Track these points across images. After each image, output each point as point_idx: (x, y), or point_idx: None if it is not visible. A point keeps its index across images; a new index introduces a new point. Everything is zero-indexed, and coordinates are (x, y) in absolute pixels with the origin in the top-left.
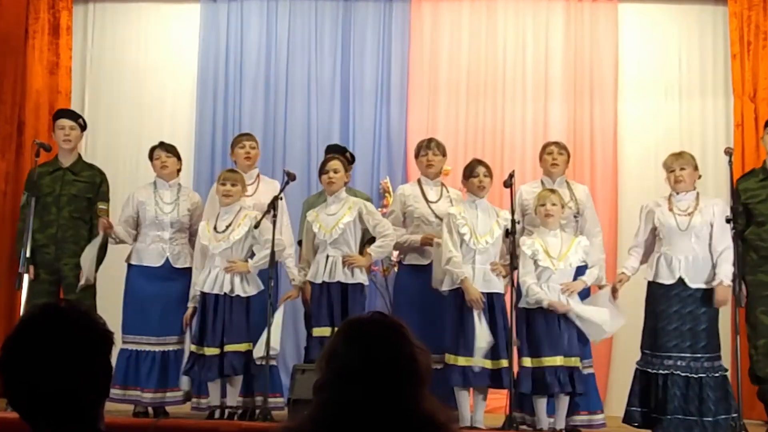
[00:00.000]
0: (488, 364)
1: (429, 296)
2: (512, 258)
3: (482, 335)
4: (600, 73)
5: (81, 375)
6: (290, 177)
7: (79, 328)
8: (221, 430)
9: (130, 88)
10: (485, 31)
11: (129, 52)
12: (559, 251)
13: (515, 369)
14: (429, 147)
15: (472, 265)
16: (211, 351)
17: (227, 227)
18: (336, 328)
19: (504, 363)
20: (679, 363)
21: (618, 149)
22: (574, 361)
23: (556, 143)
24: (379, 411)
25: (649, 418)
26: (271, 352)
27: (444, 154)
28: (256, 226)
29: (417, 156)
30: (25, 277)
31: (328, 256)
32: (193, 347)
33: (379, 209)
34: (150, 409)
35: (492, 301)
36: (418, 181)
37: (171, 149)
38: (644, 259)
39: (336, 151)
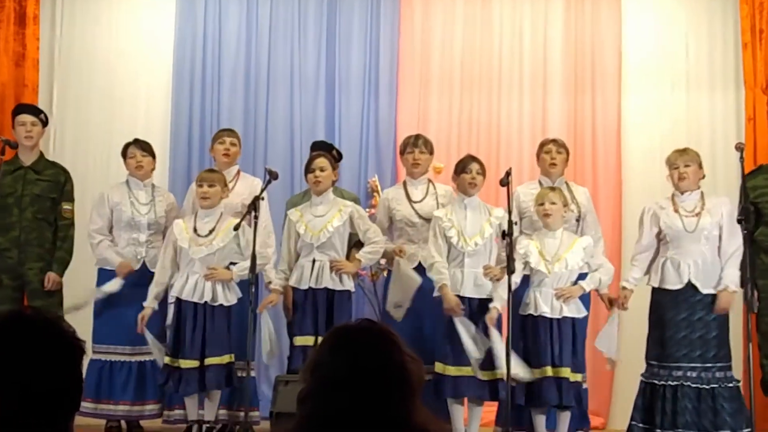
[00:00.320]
0: (480, 374)
1: (420, 303)
2: (509, 261)
3: (468, 345)
4: (602, 63)
5: (49, 387)
6: (272, 175)
7: (47, 337)
8: None
9: (101, 81)
10: (480, 19)
11: (100, 43)
12: (555, 253)
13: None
14: (416, 144)
15: (461, 269)
16: (189, 364)
17: (210, 232)
18: (320, 337)
19: (499, 374)
20: (689, 374)
21: (622, 145)
22: (564, 372)
23: (554, 141)
24: (367, 424)
25: None
26: (268, 357)
27: (431, 152)
28: (236, 229)
29: (402, 153)
30: None
31: (314, 261)
32: (167, 359)
33: (367, 210)
34: (123, 423)
35: (484, 308)
36: (404, 183)
37: (147, 147)
38: (649, 267)
39: (322, 148)
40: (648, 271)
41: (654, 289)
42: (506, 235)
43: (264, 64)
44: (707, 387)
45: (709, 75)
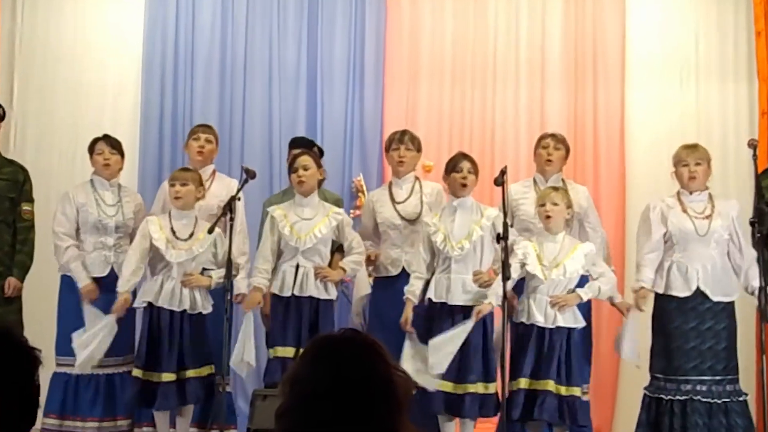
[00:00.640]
0: (448, 387)
1: (400, 310)
2: (504, 266)
3: (405, 358)
4: (604, 53)
5: (2, 401)
6: (249, 174)
7: (0, 348)
8: None
9: (66, 73)
10: (473, 6)
11: (64, 32)
12: (554, 258)
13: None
14: (401, 140)
15: (447, 275)
16: (167, 377)
17: (190, 236)
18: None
19: (473, 388)
20: (699, 387)
21: (625, 141)
22: (566, 390)
23: (553, 135)
24: None
25: None
26: (245, 369)
27: (419, 150)
28: (210, 231)
29: (387, 150)
30: None
31: (297, 266)
32: (139, 372)
33: (351, 212)
34: None
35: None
36: (389, 183)
37: (116, 145)
38: (659, 266)
39: (302, 145)
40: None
41: (658, 296)
42: (501, 238)
43: (240, 54)
44: (719, 402)
45: (720, 66)
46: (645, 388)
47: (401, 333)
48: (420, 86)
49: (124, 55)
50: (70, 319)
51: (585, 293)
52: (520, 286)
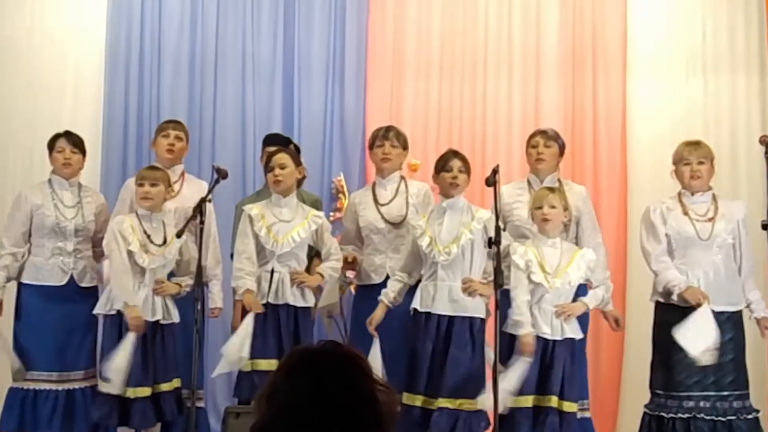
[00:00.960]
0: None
1: (392, 322)
2: (496, 273)
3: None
4: (605, 44)
5: None
6: (221, 174)
7: None
8: None
9: (22, 65)
10: None
11: (20, 21)
12: (557, 266)
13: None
14: (386, 137)
15: (433, 282)
16: (142, 392)
17: (164, 241)
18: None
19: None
20: (702, 404)
21: (627, 138)
22: (567, 406)
23: (543, 132)
24: None
25: None
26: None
27: (405, 147)
28: (179, 235)
29: (371, 147)
30: None
31: (273, 271)
32: (107, 386)
33: (331, 214)
34: None
35: (459, 328)
36: (373, 183)
37: (78, 144)
38: None
39: (276, 142)
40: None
41: (657, 306)
42: (492, 242)
43: (211, 45)
44: (723, 419)
45: (729, 57)
46: (645, 406)
47: (387, 345)
48: (405, 79)
49: (85, 46)
50: (29, 331)
51: (590, 301)
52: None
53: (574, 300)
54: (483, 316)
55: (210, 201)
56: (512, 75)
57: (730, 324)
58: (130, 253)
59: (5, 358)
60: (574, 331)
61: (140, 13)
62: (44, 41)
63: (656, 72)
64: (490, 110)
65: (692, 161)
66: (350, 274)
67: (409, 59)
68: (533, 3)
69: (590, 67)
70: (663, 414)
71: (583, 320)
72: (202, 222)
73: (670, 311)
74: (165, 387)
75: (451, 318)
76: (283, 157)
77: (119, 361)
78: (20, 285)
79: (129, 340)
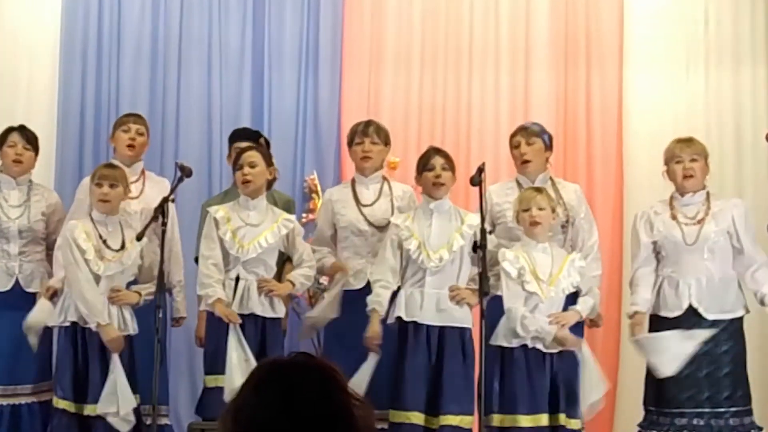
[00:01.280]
0: (420, 418)
1: (364, 330)
2: (482, 280)
3: (358, 381)
4: (599, 33)
5: None
6: (184, 172)
7: None
8: None
9: None
10: None
11: None
12: (550, 273)
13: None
14: (365, 132)
15: (420, 290)
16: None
17: (122, 245)
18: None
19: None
20: (695, 422)
21: (624, 133)
22: (563, 419)
23: (524, 129)
24: None
25: None
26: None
27: (386, 143)
28: (139, 238)
29: (351, 144)
30: None
31: (238, 278)
32: (64, 404)
33: (303, 216)
34: None
35: (447, 339)
36: (352, 180)
37: (32, 140)
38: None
39: (245, 137)
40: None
41: (651, 317)
42: (478, 247)
43: (175, 35)
44: None
45: (733, 48)
46: (638, 424)
47: (364, 357)
48: (384, 70)
49: (39, 33)
50: None
51: (582, 309)
52: (495, 306)
53: (565, 309)
54: (471, 326)
55: (173, 201)
56: (500, 65)
57: (726, 334)
58: (85, 261)
59: None
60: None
61: (98, 1)
62: None
63: (655, 62)
64: (476, 103)
65: (684, 159)
66: (324, 279)
67: (388, 48)
68: None
69: (584, 56)
70: None
71: (577, 330)
72: (164, 224)
73: (660, 322)
74: None
75: (441, 329)
76: (253, 155)
77: (123, 391)
78: None
79: (116, 365)
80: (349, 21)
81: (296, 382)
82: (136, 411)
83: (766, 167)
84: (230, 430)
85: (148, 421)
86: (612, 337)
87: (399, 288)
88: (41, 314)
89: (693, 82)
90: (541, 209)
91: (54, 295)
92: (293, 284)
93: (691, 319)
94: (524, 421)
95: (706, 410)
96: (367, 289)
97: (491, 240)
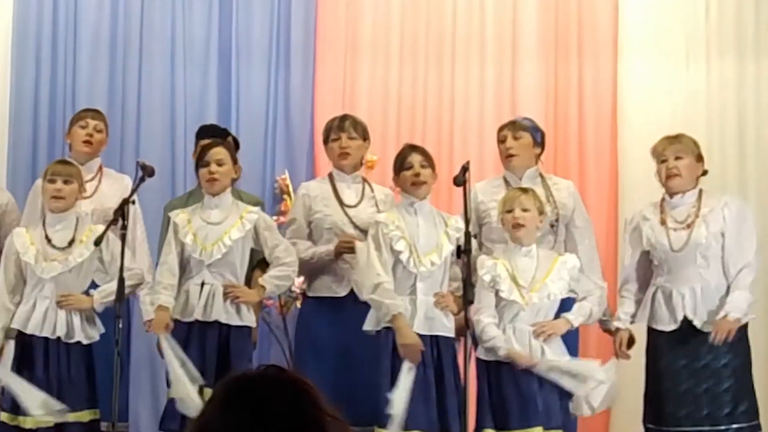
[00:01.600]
0: None
1: (347, 342)
2: (466, 287)
3: (400, 397)
4: (593, 21)
5: None
6: (146, 172)
7: None
8: None
9: None
10: None
11: None
12: (532, 278)
13: None
14: (342, 127)
15: (411, 297)
16: (42, 422)
17: (70, 243)
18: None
19: None
20: None
21: (619, 128)
22: None
23: (511, 124)
24: None
25: None
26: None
27: (365, 138)
28: (97, 243)
29: (327, 141)
30: None
31: (203, 284)
32: (6, 416)
33: (274, 218)
34: None
35: (436, 349)
36: (330, 176)
37: None
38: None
39: (212, 135)
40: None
41: (648, 329)
42: (462, 251)
43: (136, 26)
44: None
45: (736, 38)
46: None
47: (342, 370)
48: (360, 63)
49: None
50: None
51: (575, 318)
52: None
53: (558, 317)
54: (452, 334)
55: (134, 203)
56: (485, 56)
57: (726, 347)
58: (25, 265)
59: None
60: (557, 354)
61: None
62: None
63: (652, 53)
64: (460, 98)
65: (668, 157)
66: (297, 287)
67: (365, 37)
68: None
69: (575, 46)
70: None
71: (570, 341)
72: (124, 227)
73: (656, 335)
74: (72, 417)
75: (433, 338)
76: (220, 152)
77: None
78: None
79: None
80: (323, 9)
81: (266, 397)
82: (92, 427)
83: None
84: None
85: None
86: (605, 347)
87: None
88: None
89: (693, 74)
90: (525, 210)
91: None
92: (264, 288)
93: (686, 331)
94: None
95: (706, 428)
96: (351, 297)
97: (472, 245)
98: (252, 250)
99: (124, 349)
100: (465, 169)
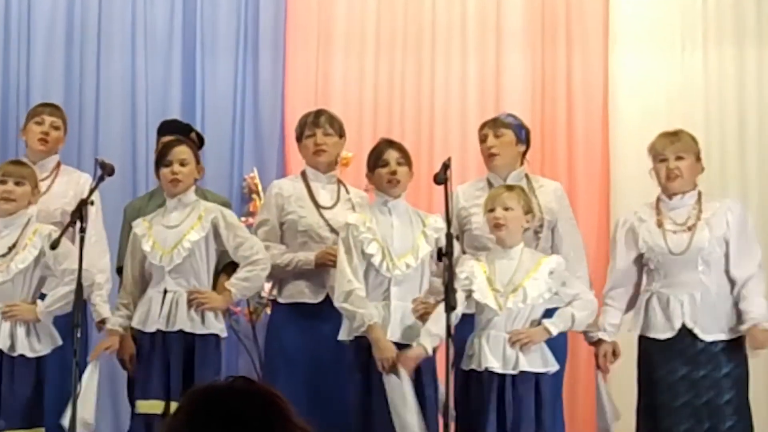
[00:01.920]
0: None
1: (320, 353)
2: (447, 293)
3: (405, 416)
4: (582, 8)
5: None
6: (106, 170)
7: None
8: None
9: None
10: None
11: None
12: (510, 281)
13: None
14: (316, 123)
15: (384, 303)
16: None
17: (10, 249)
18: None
19: None
20: None
21: (610, 123)
22: None
23: (492, 121)
24: None
25: None
26: (83, 430)
27: (341, 134)
28: (53, 247)
29: (300, 138)
30: None
31: (165, 291)
32: None
33: (243, 219)
34: None
35: (421, 362)
36: (303, 174)
37: None
38: (630, 305)
39: (175, 130)
40: (629, 311)
41: (641, 337)
42: (443, 254)
43: (94, 14)
44: None
45: (735, 26)
46: None
47: (314, 382)
48: (333, 55)
49: None
50: None
51: (555, 325)
52: (470, 323)
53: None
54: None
55: (92, 204)
56: (467, 45)
57: (726, 356)
58: None
59: None
60: (534, 364)
61: None
62: None
63: (645, 41)
64: (440, 91)
65: (669, 157)
66: (265, 293)
67: (338, 27)
68: None
69: (564, 35)
70: None
71: (558, 348)
72: (82, 230)
73: (650, 344)
74: None
75: (399, 345)
76: (184, 151)
77: None
78: None
79: None
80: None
81: (234, 410)
82: None
83: None
84: None
85: None
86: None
87: None
88: None
89: (689, 63)
90: (507, 209)
91: None
92: (231, 293)
93: (684, 340)
94: None
95: None
96: (327, 303)
97: (454, 247)
98: (222, 252)
99: (82, 359)
100: (446, 166)
